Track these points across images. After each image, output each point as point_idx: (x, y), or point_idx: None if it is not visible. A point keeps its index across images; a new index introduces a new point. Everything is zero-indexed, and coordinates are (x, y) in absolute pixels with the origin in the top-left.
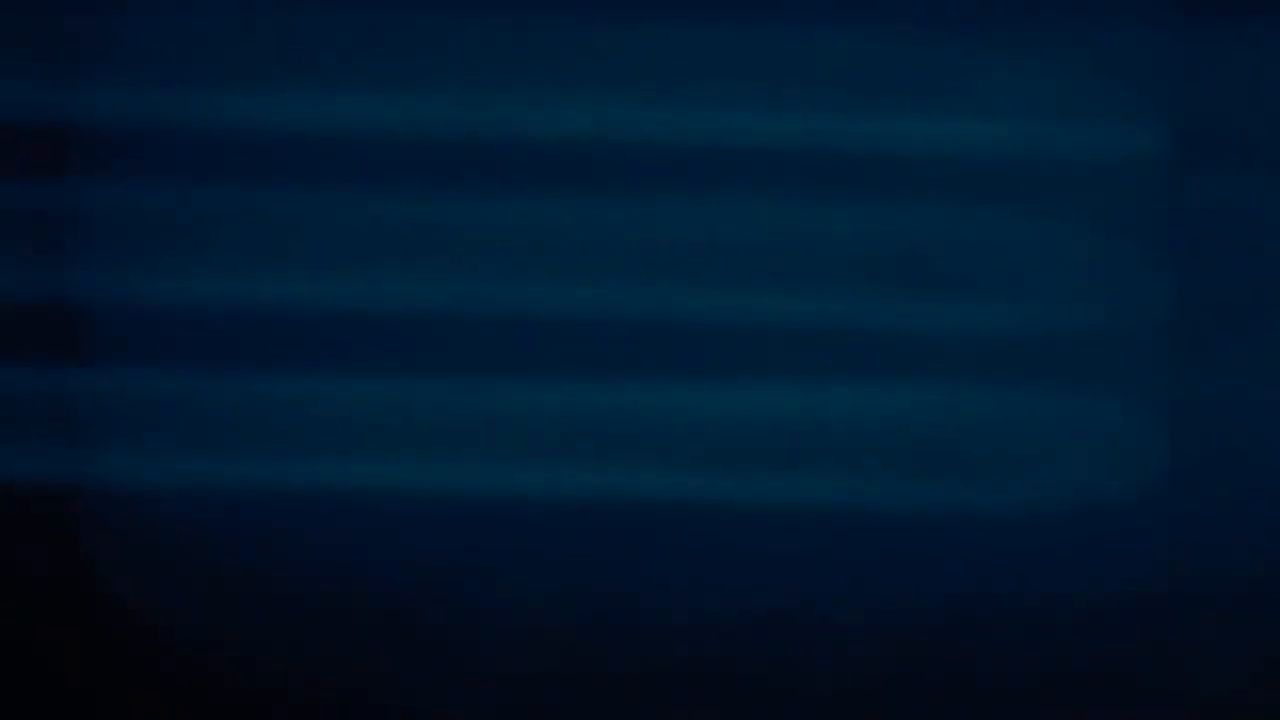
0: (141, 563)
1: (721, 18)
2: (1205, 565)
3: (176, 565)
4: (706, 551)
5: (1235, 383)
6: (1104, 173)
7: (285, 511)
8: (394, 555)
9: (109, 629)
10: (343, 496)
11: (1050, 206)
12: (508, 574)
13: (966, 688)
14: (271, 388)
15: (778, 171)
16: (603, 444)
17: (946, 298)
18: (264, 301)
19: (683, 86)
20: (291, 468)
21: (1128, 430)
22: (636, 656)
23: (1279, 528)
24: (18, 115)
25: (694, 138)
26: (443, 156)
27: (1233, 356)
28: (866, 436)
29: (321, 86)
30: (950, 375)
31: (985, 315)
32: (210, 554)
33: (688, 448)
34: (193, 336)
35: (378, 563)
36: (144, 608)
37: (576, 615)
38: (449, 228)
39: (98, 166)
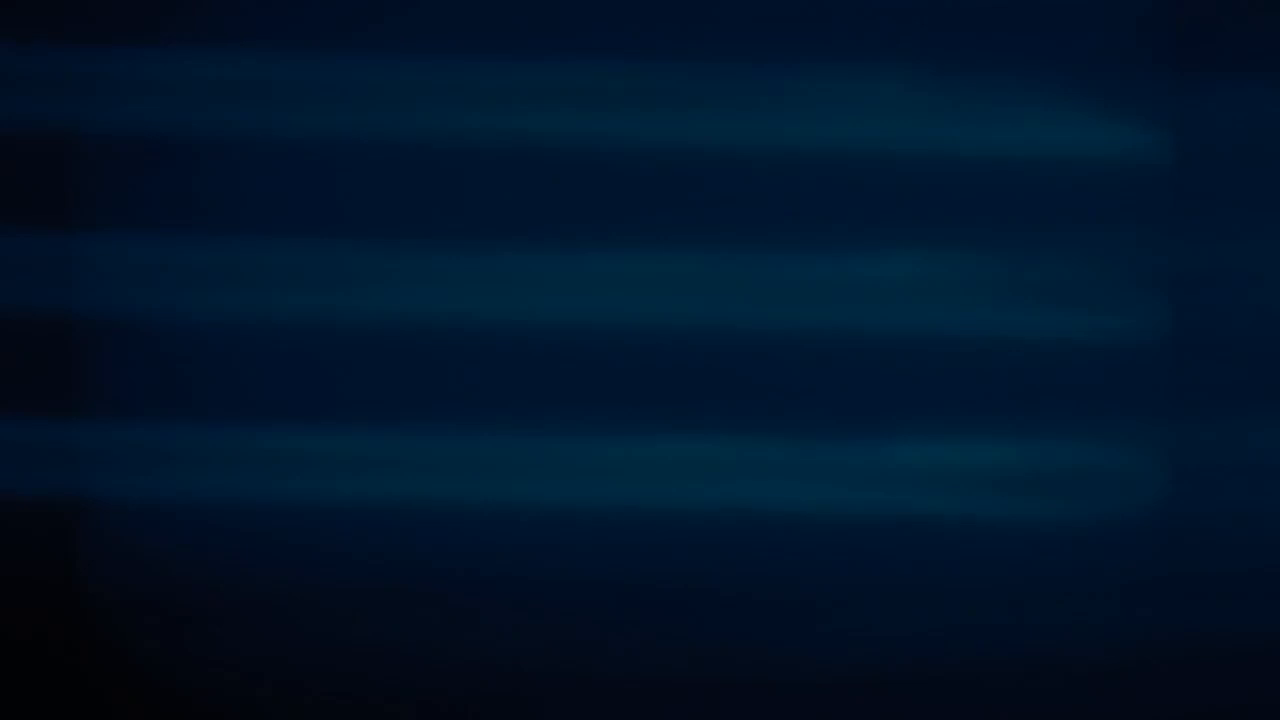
0: (138, 578)
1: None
2: (1204, 578)
3: (174, 580)
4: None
5: (1234, 401)
6: (1104, 212)
7: (285, 526)
8: (393, 566)
9: (106, 641)
10: (342, 510)
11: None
12: (512, 579)
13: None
14: (275, 409)
15: (762, 186)
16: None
17: (954, 310)
18: (268, 322)
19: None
20: (291, 485)
21: (1127, 446)
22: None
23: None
24: (21, 130)
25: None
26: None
27: (1231, 379)
28: (866, 439)
29: (329, 93)
30: (950, 386)
31: (989, 328)
32: (209, 569)
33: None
34: (196, 357)
35: (375, 576)
36: (140, 622)
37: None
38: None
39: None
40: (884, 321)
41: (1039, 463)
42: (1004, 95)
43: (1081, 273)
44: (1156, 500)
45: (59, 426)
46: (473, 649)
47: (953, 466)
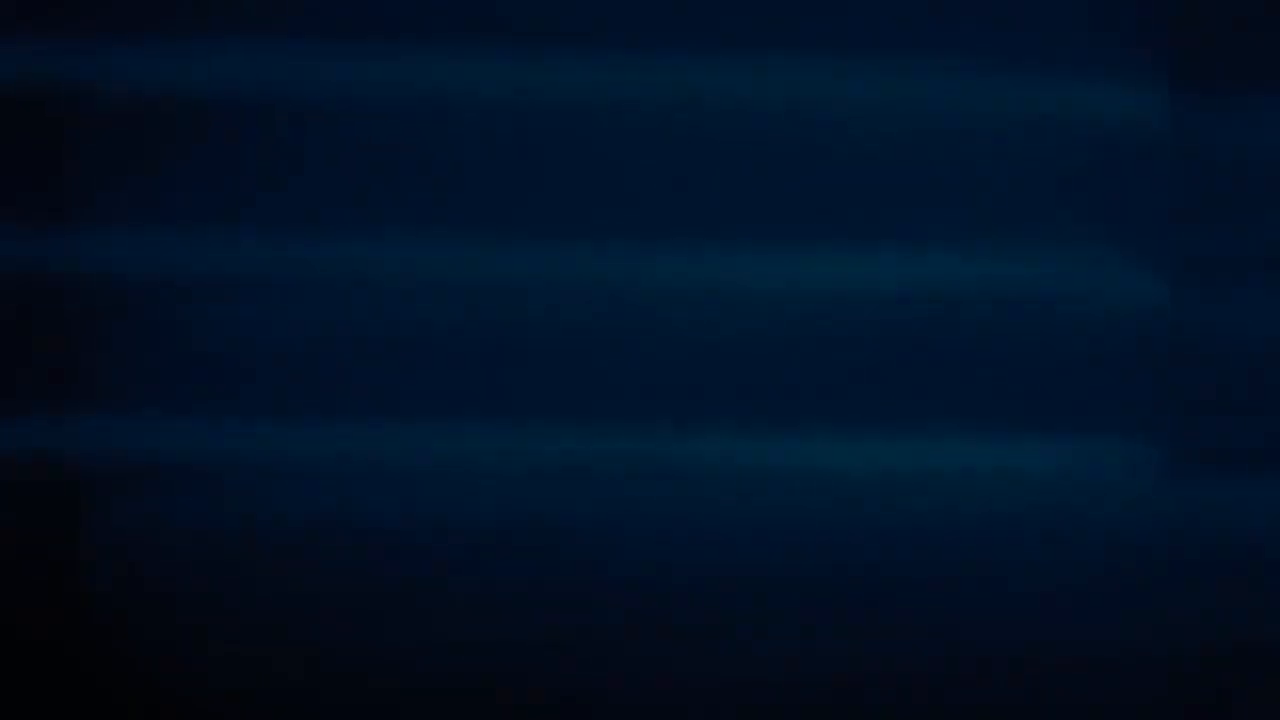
0: (138, 572)
1: None
2: (1204, 569)
3: (175, 575)
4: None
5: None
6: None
7: (291, 522)
8: (395, 564)
9: (104, 637)
10: (348, 508)
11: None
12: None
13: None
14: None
15: (756, 128)
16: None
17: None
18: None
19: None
20: (297, 481)
21: (1125, 435)
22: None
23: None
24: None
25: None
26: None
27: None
28: (856, 387)
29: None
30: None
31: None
32: (211, 565)
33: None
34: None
35: (378, 574)
36: (140, 618)
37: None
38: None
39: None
40: (876, 308)
41: (1034, 454)
42: (997, 71)
43: (1079, 257)
44: (1155, 490)
45: (56, 417)
46: (485, 650)
47: (945, 460)
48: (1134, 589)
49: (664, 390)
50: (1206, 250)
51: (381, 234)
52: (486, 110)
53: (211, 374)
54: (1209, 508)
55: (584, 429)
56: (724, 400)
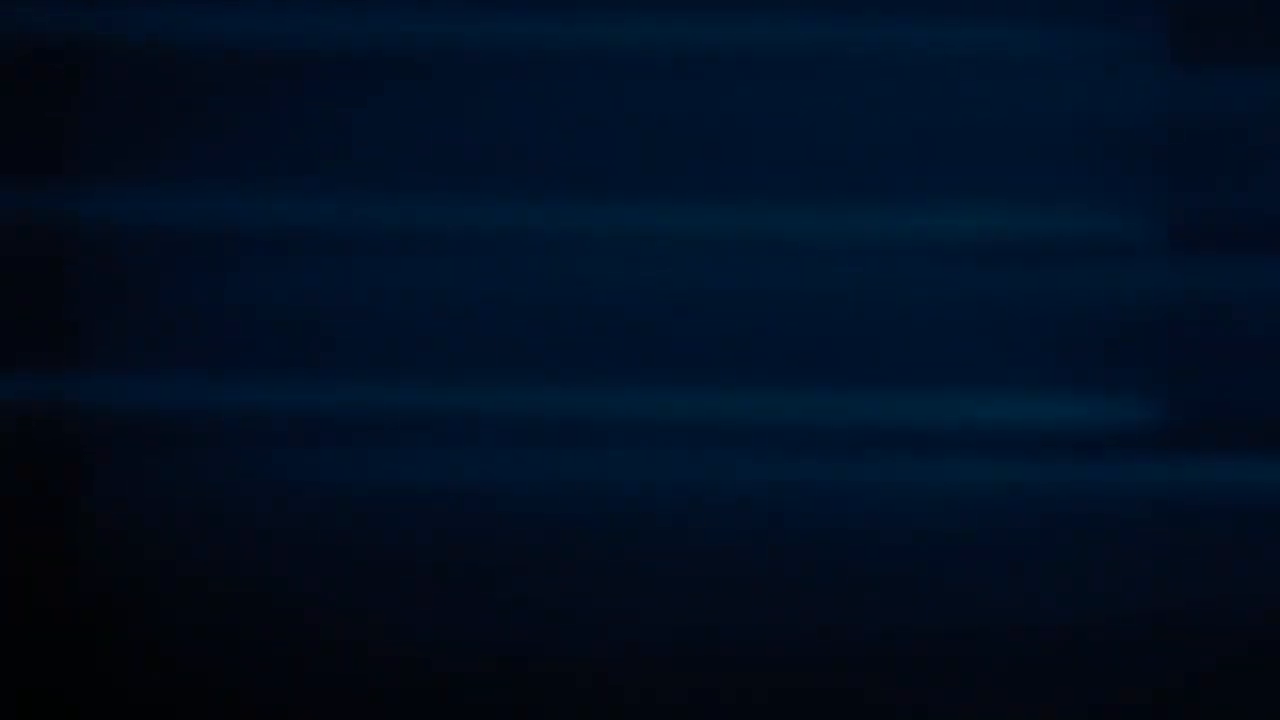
0: (138, 551)
1: None
2: (1201, 495)
3: (176, 549)
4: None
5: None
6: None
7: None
8: (400, 550)
9: (103, 620)
10: (341, 486)
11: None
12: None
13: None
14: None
15: (767, 75)
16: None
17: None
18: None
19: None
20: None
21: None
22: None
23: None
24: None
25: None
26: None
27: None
28: (856, 349)
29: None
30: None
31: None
32: (211, 541)
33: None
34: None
35: (369, 520)
36: (139, 601)
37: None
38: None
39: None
40: (873, 266)
41: (1030, 414)
42: (995, 31)
43: (1076, 219)
44: (1152, 450)
45: (58, 373)
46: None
47: (939, 418)
48: (1132, 550)
49: (656, 348)
50: (1204, 214)
51: (387, 193)
52: (505, 64)
53: (214, 332)
54: (1205, 469)
55: (599, 389)
56: (715, 355)
